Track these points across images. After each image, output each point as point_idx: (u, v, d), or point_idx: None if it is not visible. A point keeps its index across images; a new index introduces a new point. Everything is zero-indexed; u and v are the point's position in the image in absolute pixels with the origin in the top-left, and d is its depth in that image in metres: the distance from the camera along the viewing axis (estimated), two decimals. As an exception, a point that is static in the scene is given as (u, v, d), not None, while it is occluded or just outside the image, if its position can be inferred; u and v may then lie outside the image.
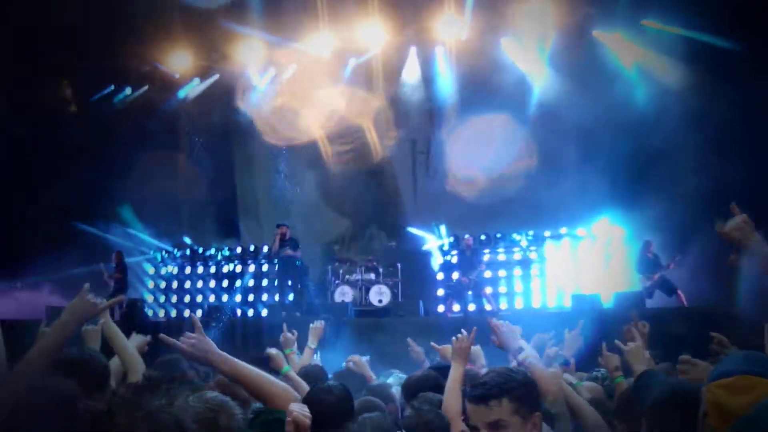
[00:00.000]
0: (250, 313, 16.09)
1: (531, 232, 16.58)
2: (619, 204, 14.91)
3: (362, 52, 17.71)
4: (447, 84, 17.55)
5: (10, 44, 15.06)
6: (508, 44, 16.93)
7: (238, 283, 17.11)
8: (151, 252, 17.98)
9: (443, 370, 4.35)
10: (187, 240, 18.18)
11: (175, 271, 17.88)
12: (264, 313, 15.74)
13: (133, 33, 16.40)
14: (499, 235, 16.74)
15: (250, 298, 16.84)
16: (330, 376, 5.97)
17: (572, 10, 15.68)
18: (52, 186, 15.44)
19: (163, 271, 17.91)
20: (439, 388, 4.14)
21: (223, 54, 17.73)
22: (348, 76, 17.90)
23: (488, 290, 15.37)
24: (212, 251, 17.79)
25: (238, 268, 17.58)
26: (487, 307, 14.80)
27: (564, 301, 15.37)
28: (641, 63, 15.82)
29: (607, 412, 3.89)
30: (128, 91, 18.60)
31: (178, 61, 17.98)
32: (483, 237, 16.64)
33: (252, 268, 17.46)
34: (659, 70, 15.21)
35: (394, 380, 5.36)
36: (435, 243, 17.06)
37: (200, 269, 17.80)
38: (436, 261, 16.87)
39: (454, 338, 4.36)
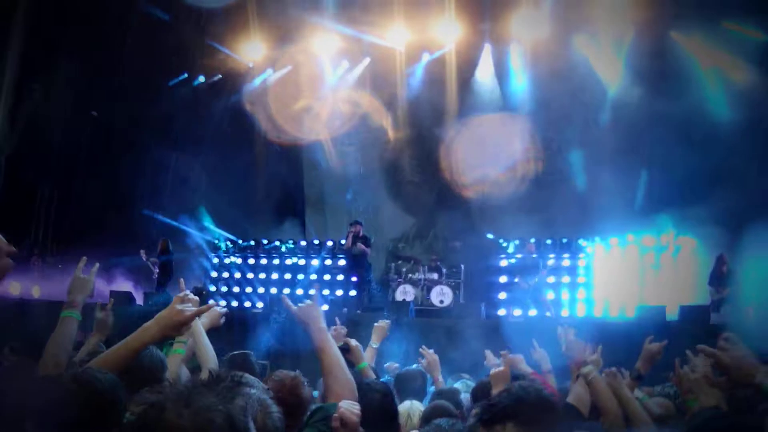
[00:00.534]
0: (311, 307, 16.07)
1: (597, 239, 16.26)
2: (690, 214, 14.53)
3: (436, 48, 17.62)
4: (521, 83, 17.34)
5: (91, 22, 15.44)
6: (583, 42, 16.62)
7: (300, 276, 17.16)
8: (216, 241, 18.12)
9: (515, 379, 4.23)
10: (252, 232, 18.31)
11: (239, 261, 17.97)
12: (325, 308, 15.76)
13: (209, 21, 16.64)
14: (564, 241, 16.46)
15: (312, 292, 16.83)
16: (386, 374, 5.90)
17: (650, 8, 15.31)
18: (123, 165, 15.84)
19: (226, 261, 18.03)
20: None
21: (297, 45, 17.77)
22: (421, 71, 17.86)
23: (550, 296, 15.14)
24: (276, 243, 17.87)
25: (302, 262, 17.59)
26: (548, 313, 14.61)
27: (626, 311, 15.07)
28: (719, 67, 15.33)
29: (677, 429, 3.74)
30: (201, 79, 18.83)
31: (253, 50, 18.08)
32: (548, 241, 16.38)
33: (315, 262, 17.51)
34: (737, 76, 14.76)
35: (462, 386, 5.23)
36: (499, 245, 16.89)
37: (263, 261, 17.87)
38: (500, 264, 16.71)
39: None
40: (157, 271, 16.11)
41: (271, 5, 16.61)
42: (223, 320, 4.36)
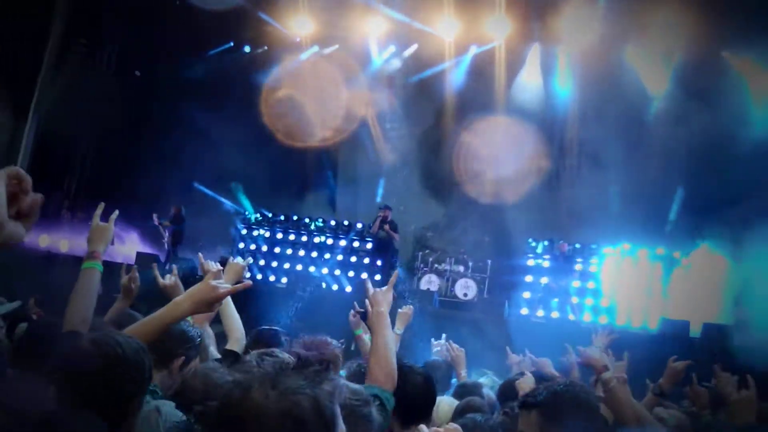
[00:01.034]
0: (335, 287, 16.08)
1: (627, 246, 16.03)
2: (724, 234, 14.34)
3: (485, 42, 17.47)
4: (565, 85, 17.17)
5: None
6: (633, 53, 16.38)
7: (327, 255, 17.15)
8: (246, 213, 18.12)
9: (541, 381, 4.19)
10: (281, 206, 18.28)
11: (267, 235, 17.98)
12: (348, 289, 15.77)
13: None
14: (594, 246, 16.28)
15: (337, 272, 16.86)
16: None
17: (705, 24, 15.06)
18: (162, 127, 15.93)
19: (255, 234, 18.05)
20: None
21: (346, 24, 17.68)
22: (468, 64, 17.75)
23: (575, 300, 15.03)
24: (306, 221, 17.85)
25: (329, 241, 17.54)
26: (570, 317, 14.54)
27: (650, 323, 14.93)
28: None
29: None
30: (247, 49, 18.81)
31: (301, 25, 17.98)
32: (578, 245, 16.21)
33: (343, 243, 17.50)
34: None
35: (488, 381, 5.17)
36: (528, 244, 16.76)
37: (292, 237, 17.87)
38: (527, 263, 16.60)
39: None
40: (168, 236, 16.22)
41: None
42: (247, 275, 4.34)
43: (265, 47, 18.58)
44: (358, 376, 3.41)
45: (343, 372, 4.07)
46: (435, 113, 18.05)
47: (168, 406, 2.97)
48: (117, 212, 3.45)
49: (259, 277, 16.95)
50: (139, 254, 15.36)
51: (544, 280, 15.29)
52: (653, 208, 15.83)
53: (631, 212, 15.57)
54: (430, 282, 15.54)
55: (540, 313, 14.85)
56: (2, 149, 16.09)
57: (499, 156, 16.89)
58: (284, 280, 16.54)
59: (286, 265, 17.27)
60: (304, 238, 17.75)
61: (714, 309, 14.20)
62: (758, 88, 15.29)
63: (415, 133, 18.06)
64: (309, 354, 2.96)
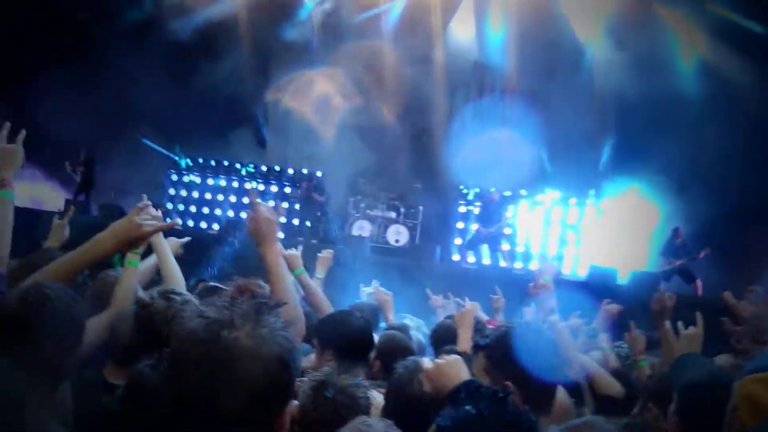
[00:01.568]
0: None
1: (558, 194, 16.28)
2: (653, 184, 14.71)
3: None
4: (498, 41, 17.14)
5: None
6: (567, 3, 16.39)
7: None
8: (177, 158, 17.79)
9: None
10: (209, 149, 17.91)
11: (198, 181, 17.78)
12: (280, 235, 15.68)
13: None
14: (524, 192, 16.46)
15: (271, 203, 16.75)
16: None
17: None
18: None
19: (185, 180, 17.82)
20: None
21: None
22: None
23: (506, 247, 15.24)
24: (237, 166, 17.64)
25: (261, 187, 17.42)
26: (502, 263, 14.76)
27: (578, 270, 15.31)
28: (700, 49, 15.34)
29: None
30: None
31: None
32: (509, 193, 16.38)
33: (275, 188, 17.39)
34: (717, 60, 14.81)
35: (412, 323, 5.21)
36: (460, 191, 16.88)
37: (222, 182, 17.70)
38: (459, 210, 16.75)
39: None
40: (78, 180, 15.93)
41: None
42: (182, 251, 4.23)
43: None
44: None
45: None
46: (369, 58, 17.85)
47: None
48: (24, 132, 3.05)
49: (191, 224, 16.80)
50: (69, 201, 15.15)
51: (475, 226, 15.43)
52: (585, 156, 16.09)
53: (563, 160, 15.84)
54: (361, 228, 15.59)
55: (471, 259, 15.03)
56: None
57: (430, 99, 16.87)
58: (215, 226, 16.43)
59: (218, 212, 17.14)
60: (235, 184, 17.58)
61: (642, 259, 14.65)
62: (687, 42, 15.55)
63: (349, 77, 17.82)
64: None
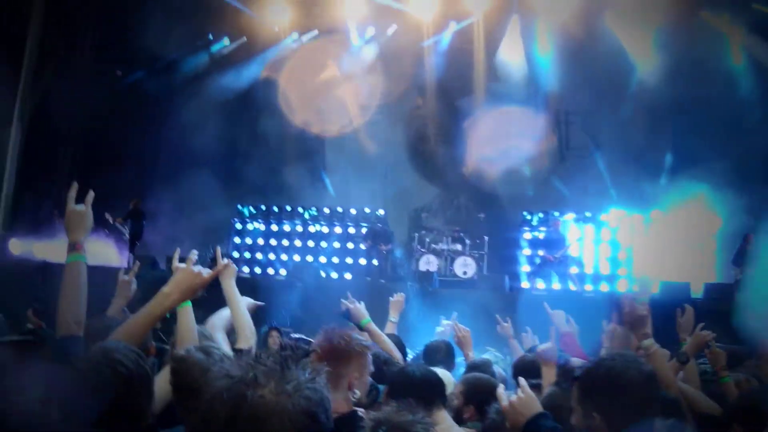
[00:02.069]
0: (334, 275, 16.03)
1: (624, 212, 15.99)
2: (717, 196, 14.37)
3: (463, 17, 17.26)
4: (547, 57, 16.98)
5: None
6: (613, 20, 16.18)
7: (323, 244, 17.09)
8: (239, 207, 17.94)
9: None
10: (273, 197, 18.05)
11: (262, 227, 17.89)
12: (348, 276, 15.73)
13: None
14: (588, 214, 16.24)
15: (335, 260, 16.82)
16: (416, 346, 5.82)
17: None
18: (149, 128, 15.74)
19: (249, 228, 17.96)
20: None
21: (324, 10, 17.45)
22: (446, 41, 17.58)
23: (574, 270, 15.02)
24: (300, 210, 17.73)
25: (325, 230, 17.48)
26: (572, 287, 14.55)
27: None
28: (750, 49, 15.05)
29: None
30: (226, 41, 18.53)
31: (278, 14, 17.64)
32: (572, 215, 16.17)
33: (338, 230, 17.42)
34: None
35: (491, 358, 5.10)
36: (523, 218, 16.73)
37: (286, 227, 17.75)
38: (524, 237, 16.59)
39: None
40: (128, 232, 15.91)
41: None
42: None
43: (244, 38, 18.30)
44: None
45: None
46: (420, 93, 17.88)
47: None
48: (92, 193, 3.02)
49: (257, 270, 16.90)
50: (137, 257, 15.31)
51: (542, 252, 15.27)
52: (644, 172, 15.83)
53: (622, 178, 15.58)
54: (428, 263, 15.51)
55: (541, 285, 14.85)
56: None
57: (486, 132, 16.78)
58: (282, 271, 16.50)
59: (284, 257, 17.22)
60: (299, 228, 17.66)
61: (712, 270, 14.27)
62: (736, 45, 15.27)
63: (400, 115, 17.86)
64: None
